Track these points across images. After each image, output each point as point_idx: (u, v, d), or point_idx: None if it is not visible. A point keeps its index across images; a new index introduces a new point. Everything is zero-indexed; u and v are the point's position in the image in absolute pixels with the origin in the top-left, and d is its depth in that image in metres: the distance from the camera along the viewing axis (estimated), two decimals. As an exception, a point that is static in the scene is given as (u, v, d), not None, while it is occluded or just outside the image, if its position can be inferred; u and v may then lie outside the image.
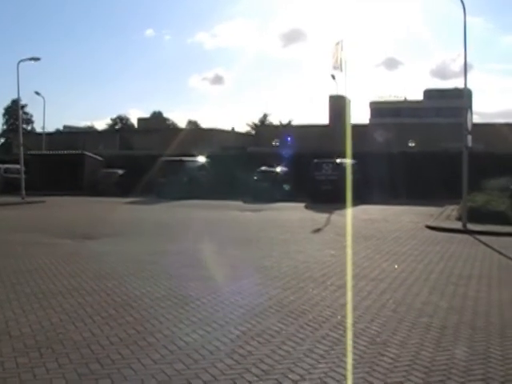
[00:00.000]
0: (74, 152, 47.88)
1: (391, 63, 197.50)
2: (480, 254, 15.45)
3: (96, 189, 40.47)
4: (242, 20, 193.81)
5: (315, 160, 35.72)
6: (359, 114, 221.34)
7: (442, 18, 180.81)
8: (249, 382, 5.95)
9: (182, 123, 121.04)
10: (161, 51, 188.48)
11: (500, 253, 15.52)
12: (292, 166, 38.05)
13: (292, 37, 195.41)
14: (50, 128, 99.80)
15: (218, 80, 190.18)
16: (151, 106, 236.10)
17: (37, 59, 38.90)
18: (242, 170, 38.25)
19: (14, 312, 8.60)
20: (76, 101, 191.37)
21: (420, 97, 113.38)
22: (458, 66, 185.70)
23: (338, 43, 42.94)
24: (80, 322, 8.06)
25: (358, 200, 31.01)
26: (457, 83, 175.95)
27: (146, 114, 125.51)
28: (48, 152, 52.12)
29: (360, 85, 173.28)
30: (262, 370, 6.27)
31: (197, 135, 66.78)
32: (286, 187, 36.27)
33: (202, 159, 42.42)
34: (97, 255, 14.12)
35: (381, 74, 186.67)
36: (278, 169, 37.57)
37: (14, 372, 6.10)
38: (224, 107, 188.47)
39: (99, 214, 26.07)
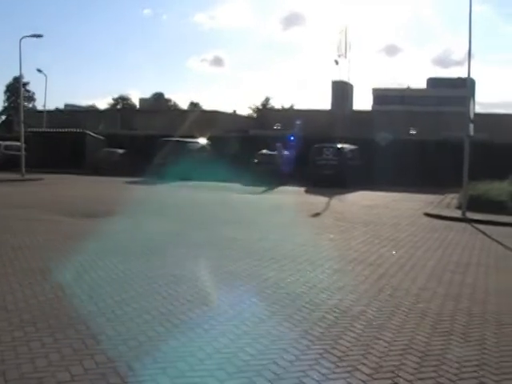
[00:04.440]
0: (74, 130, 47.74)
1: (392, 50, 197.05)
2: (478, 242, 15.45)
3: (96, 168, 40.38)
4: (240, 2, 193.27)
5: (316, 145, 35.66)
6: (361, 100, 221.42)
7: (445, 5, 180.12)
8: (243, 360, 5.95)
9: (183, 104, 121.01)
10: (159, 31, 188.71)
11: (498, 242, 15.51)
12: (293, 150, 37.95)
13: (292, 20, 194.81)
14: (52, 106, 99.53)
15: (217, 62, 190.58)
16: (152, 86, 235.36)
17: (39, 36, 38.74)
18: (243, 152, 38.20)
19: (10, 287, 8.61)
20: (77, 79, 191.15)
21: (422, 85, 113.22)
22: (459, 54, 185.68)
23: (342, 30, 42.74)
24: (76, 299, 8.06)
25: (358, 186, 30.99)
26: (458, 72, 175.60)
27: (147, 95, 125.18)
28: (49, 130, 51.99)
29: (361, 71, 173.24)
30: (257, 350, 6.27)
31: (199, 117, 66.64)
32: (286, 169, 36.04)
33: (203, 141, 42.33)
34: (95, 233, 14.11)
35: (382, 60, 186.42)
36: (283, 152, 37.47)
37: (10, 345, 6.11)
38: (225, 89, 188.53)
39: (99, 193, 26.04)
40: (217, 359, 5.96)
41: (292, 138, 35.78)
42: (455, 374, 5.84)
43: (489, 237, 16.39)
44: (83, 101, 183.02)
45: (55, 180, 33.36)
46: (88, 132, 47.12)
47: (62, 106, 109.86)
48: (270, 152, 37.37)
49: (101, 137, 47.44)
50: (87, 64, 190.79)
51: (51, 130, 50.26)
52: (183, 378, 5.47)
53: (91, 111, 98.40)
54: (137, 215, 18.16)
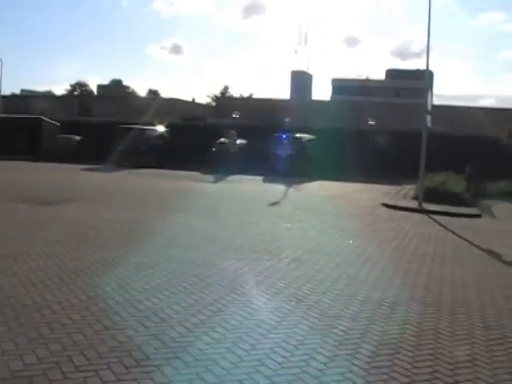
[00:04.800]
0: (30, 116, 47.04)
1: (352, 41, 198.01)
2: (434, 233, 15.64)
3: (53, 154, 39.79)
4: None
5: (275, 134, 35.67)
6: (321, 91, 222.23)
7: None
8: (199, 349, 5.94)
9: (142, 92, 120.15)
10: (118, 18, 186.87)
11: (454, 232, 15.72)
12: (251, 139, 37.90)
13: (252, 9, 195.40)
14: (7, 91, 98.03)
15: (176, 49, 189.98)
16: (111, 73, 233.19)
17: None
18: (201, 140, 38.05)
19: (-37, 274, 8.47)
20: (34, 65, 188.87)
21: (381, 76, 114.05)
22: (418, 46, 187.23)
23: (302, 21, 42.81)
24: (31, 287, 7.94)
25: (316, 175, 31.08)
26: (417, 64, 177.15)
27: (105, 82, 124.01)
28: (3, 115, 51.14)
29: (322, 61, 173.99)
30: (214, 339, 6.27)
31: (157, 104, 66.24)
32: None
33: (161, 128, 42.08)
34: (51, 220, 13.94)
35: (342, 51, 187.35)
36: (237, 141, 37.38)
37: (-38, 334, 6.01)
38: (184, 77, 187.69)
39: (55, 180, 25.71)
40: (173, 348, 5.93)
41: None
42: (410, 363, 5.91)
43: (445, 227, 16.60)
44: (40, 87, 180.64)
45: (9, 167, 32.85)
46: (44, 118, 46.43)
47: (17, 92, 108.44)
48: (228, 140, 37.27)
49: (57, 123, 46.82)
50: (44, 49, 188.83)
51: (6, 116, 49.44)
52: (139, 368, 5.44)
53: (48, 97, 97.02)
54: (93, 202, 17.98)
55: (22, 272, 8.71)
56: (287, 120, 41.35)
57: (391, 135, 38.96)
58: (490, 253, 13.03)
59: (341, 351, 6.12)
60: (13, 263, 9.24)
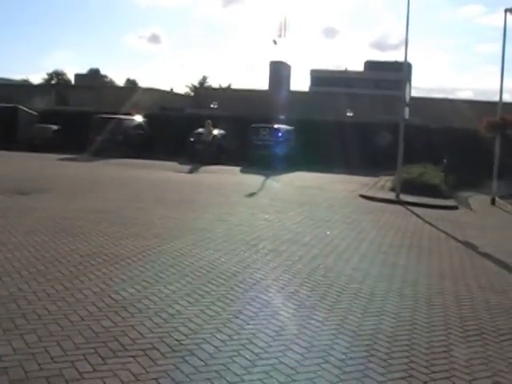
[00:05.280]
0: (6, 105, 46.60)
1: (331, 32, 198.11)
2: (411, 224, 15.73)
3: (29, 144, 39.42)
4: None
5: (253, 125, 35.62)
6: (299, 82, 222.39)
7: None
8: (177, 340, 5.94)
9: (120, 81, 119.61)
10: (95, 6, 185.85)
11: (431, 224, 15.82)
12: (230, 129, 37.80)
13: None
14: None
15: (154, 39, 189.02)
16: (88, 62, 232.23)
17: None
18: (179, 131, 37.88)
19: None
20: (10, 53, 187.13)
21: (360, 68, 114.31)
22: (396, 38, 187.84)
23: (281, 11, 42.73)
24: (7, 277, 7.88)
25: (294, 166, 31.10)
26: (395, 56, 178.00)
27: (83, 71, 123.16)
28: (-21, 104, 50.68)
29: (300, 52, 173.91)
30: (191, 329, 6.26)
31: (135, 94, 65.91)
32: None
33: (139, 118, 41.84)
34: (27, 210, 13.82)
35: (320, 42, 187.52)
36: (216, 131, 37.26)
37: None
38: (162, 67, 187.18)
39: (31, 170, 25.52)
40: (150, 339, 5.92)
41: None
42: (386, 353, 5.95)
43: (422, 219, 16.71)
44: (16, 75, 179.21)
45: (-14, 156, 32.61)
46: (20, 107, 46.02)
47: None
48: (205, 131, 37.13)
49: (34, 112, 46.44)
50: (20, 38, 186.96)
51: (-18, 105, 48.99)
52: (115, 358, 5.42)
53: (25, 86, 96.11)
54: (68, 193, 17.85)
55: (-2, 262, 8.65)
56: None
57: (369, 127, 39.03)
58: (467, 244, 13.13)
59: (318, 342, 6.15)
60: (-12, 253, 9.18)
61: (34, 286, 7.54)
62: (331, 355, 5.80)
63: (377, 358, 5.82)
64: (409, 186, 22.01)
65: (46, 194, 16.89)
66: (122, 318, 6.51)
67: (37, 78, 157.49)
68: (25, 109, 45.82)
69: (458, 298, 8.34)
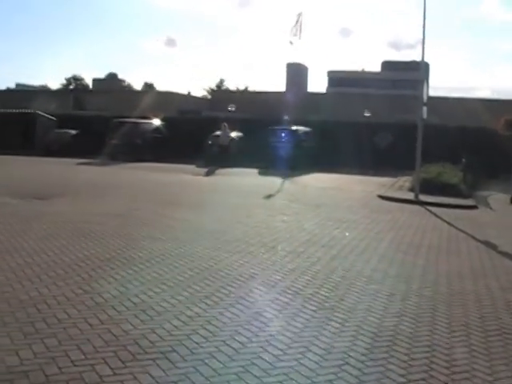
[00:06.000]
0: (25, 111, 46.84)
1: (347, 32, 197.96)
2: (430, 224, 15.65)
3: (48, 149, 39.65)
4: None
5: (270, 127, 35.58)
6: (316, 82, 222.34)
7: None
8: (196, 343, 5.94)
9: (137, 85, 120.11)
10: (111, 11, 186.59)
11: (450, 224, 15.73)
12: (247, 131, 37.76)
13: (246, 1, 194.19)
14: (2, 86, 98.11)
15: (170, 42, 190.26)
16: (106, 67, 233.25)
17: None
18: (197, 134, 37.93)
19: (-42, 269, 8.44)
20: (29, 59, 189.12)
21: (377, 68, 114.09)
22: (413, 37, 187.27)
23: (297, 12, 42.73)
24: (27, 281, 7.93)
25: (312, 168, 31.04)
26: (411, 55, 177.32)
27: (101, 76, 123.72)
28: (-1, 110, 51.00)
29: (316, 53, 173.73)
30: (210, 332, 6.27)
31: (153, 98, 66.12)
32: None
33: (157, 122, 41.91)
34: (45, 215, 13.89)
35: (336, 42, 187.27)
36: (233, 134, 37.25)
37: (-43, 329, 5.99)
38: (179, 70, 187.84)
39: (50, 175, 25.65)
40: (169, 341, 5.93)
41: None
42: (406, 354, 5.92)
43: (441, 219, 16.62)
44: (35, 81, 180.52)
45: (4, 162, 32.70)
46: (39, 112, 46.27)
47: (13, 86, 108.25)
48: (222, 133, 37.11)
49: (52, 117, 46.69)
50: (39, 44, 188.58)
51: (1, 111, 49.28)
52: (135, 361, 5.43)
53: (43, 91, 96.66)
54: (86, 196, 17.92)
55: (17, 267, 8.68)
56: (286, 118, 40.98)
57: (387, 127, 38.89)
58: (487, 244, 13.05)
59: (337, 343, 6.13)
60: (9, 258, 9.22)
61: (53, 290, 7.58)
62: (351, 357, 5.78)
63: (397, 359, 5.80)
64: (427, 186, 21.88)
65: (64, 199, 16.98)
66: (142, 320, 6.52)
67: (55, 84, 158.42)
68: (43, 114, 46.09)
69: (478, 298, 8.29)
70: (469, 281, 9.37)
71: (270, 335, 6.26)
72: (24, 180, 22.34)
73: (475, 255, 11.71)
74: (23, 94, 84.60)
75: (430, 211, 18.18)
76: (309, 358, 5.69)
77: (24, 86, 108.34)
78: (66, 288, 7.68)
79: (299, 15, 43.28)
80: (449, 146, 31.85)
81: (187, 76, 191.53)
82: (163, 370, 5.26)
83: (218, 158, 33.84)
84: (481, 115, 46.49)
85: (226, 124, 36.30)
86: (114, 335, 6.03)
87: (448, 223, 15.87)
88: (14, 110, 46.66)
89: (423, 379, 5.41)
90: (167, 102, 63.96)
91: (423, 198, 20.68)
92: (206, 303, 7.28)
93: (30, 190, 18.65)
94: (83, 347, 5.67)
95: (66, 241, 10.74)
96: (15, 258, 9.28)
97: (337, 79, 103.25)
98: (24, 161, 33.45)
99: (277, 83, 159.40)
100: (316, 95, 78.25)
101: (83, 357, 5.45)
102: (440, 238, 13.44)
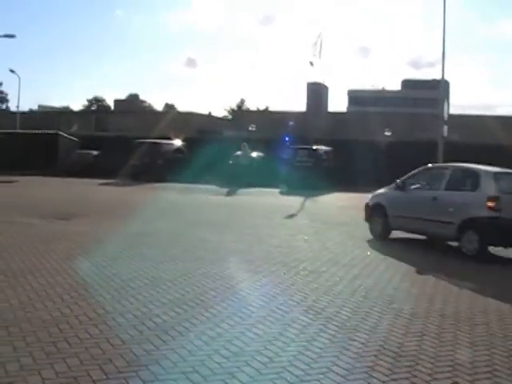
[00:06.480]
0: (47, 132, 47.26)
1: (366, 51, 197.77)
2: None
3: (70, 169, 39.99)
4: (212, 2, 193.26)
5: (292, 146, 35.65)
6: (336, 102, 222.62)
7: (418, 6, 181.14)
8: (217, 363, 5.93)
9: (158, 106, 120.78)
10: (131, 33, 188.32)
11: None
12: (268, 151, 37.83)
13: (265, 21, 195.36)
14: (25, 107, 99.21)
15: (191, 63, 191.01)
16: (127, 88, 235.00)
17: (12, 36, 38.50)
18: (218, 154, 38.05)
19: (-18, 290, 8.49)
20: (52, 81, 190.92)
21: (397, 86, 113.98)
22: (432, 56, 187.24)
23: (316, 32, 42.94)
24: (49, 301, 7.98)
25: (333, 187, 31.01)
26: (431, 73, 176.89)
27: (122, 96, 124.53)
28: (22, 131, 51.46)
29: (336, 72, 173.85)
30: (231, 352, 6.25)
31: (174, 118, 66.48)
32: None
33: (178, 142, 42.10)
34: (68, 235, 13.98)
35: (356, 61, 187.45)
36: (254, 154, 37.35)
37: (-20, 349, 6.03)
38: (200, 90, 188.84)
39: (72, 195, 25.82)
40: (190, 362, 5.93)
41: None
42: (429, 375, 5.87)
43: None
44: (57, 102, 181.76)
45: (27, 182, 33.03)
46: (61, 133, 46.65)
47: (35, 107, 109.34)
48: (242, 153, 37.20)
49: (74, 138, 47.06)
50: (61, 65, 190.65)
51: (24, 132, 49.73)
52: (157, 382, 5.44)
53: (65, 112, 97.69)
54: (108, 217, 18.02)
55: (40, 287, 8.74)
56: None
57: (407, 145, 38.81)
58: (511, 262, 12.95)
59: (359, 363, 6.09)
60: (31, 278, 9.28)
61: (75, 310, 7.61)
62: (373, 377, 5.75)
63: (419, 379, 5.75)
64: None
65: (86, 219, 17.09)
66: (163, 341, 6.53)
67: (77, 105, 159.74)
68: (65, 135, 46.51)
69: (501, 317, 8.21)
70: (491, 299, 9.30)
71: (292, 355, 6.24)
72: (47, 200, 22.50)
73: (497, 274, 11.62)
74: (46, 115, 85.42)
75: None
76: (330, 378, 5.66)
77: (46, 107, 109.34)
78: (88, 308, 7.71)
79: (319, 35, 43.43)
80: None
81: (208, 96, 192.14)
82: (185, 391, 5.26)
83: (239, 177, 33.89)
84: (498, 132, 46.26)
85: (245, 144, 36.41)
86: (136, 355, 6.04)
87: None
88: (36, 131, 47.13)
89: (446, 399, 5.37)
90: (188, 122, 64.25)
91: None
92: (228, 323, 7.28)
93: (53, 210, 18.79)
94: (105, 367, 5.68)
95: (88, 261, 10.79)
96: (37, 278, 9.34)
97: (357, 98, 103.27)
98: (47, 181, 33.73)
99: (298, 103, 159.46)
100: (337, 114, 78.36)
101: (105, 376, 5.47)
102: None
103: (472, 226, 13.21)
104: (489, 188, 13.35)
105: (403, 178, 15.85)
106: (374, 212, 16.67)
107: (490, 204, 13.03)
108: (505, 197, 13.09)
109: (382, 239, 15.55)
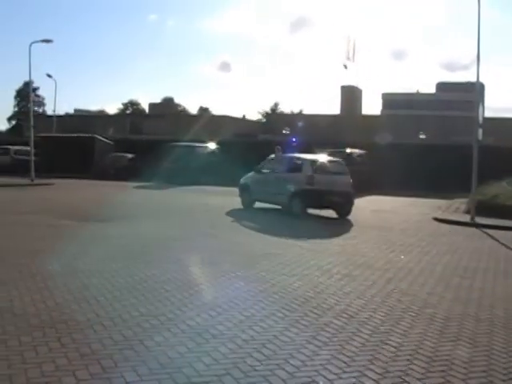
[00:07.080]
0: (84, 135, 47.79)
1: (400, 54, 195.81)
2: (486, 247, 15.42)
3: (105, 172, 40.37)
4: (246, 6, 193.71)
5: (326, 149, 35.55)
6: (370, 105, 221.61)
7: (452, 8, 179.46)
8: (250, 366, 5.95)
9: (193, 109, 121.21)
10: (165, 37, 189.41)
11: (507, 247, 15.49)
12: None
13: (298, 24, 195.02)
14: (61, 111, 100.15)
15: (225, 67, 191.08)
16: (162, 91, 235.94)
17: (49, 41, 38.71)
18: (252, 157, 38.05)
19: (19, 291, 8.59)
20: (87, 85, 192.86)
21: (431, 89, 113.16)
22: (467, 58, 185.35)
23: (350, 36, 42.84)
24: (84, 303, 8.06)
25: (367, 190, 30.87)
26: (465, 76, 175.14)
27: (157, 100, 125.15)
28: (58, 135, 52.11)
29: (370, 75, 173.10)
30: (264, 355, 6.27)
31: (208, 122, 66.71)
32: None
33: (212, 146, 42.22)
34: (103, 237, 14.13)
35: (390, 64, 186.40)
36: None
37: (17, 350, 6.10)
38: (234, 94, 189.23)
39: (107, 197, 26.04)
40: (224, 364, 5.95)
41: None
42: (462, 380, 5.83)
43: (497, 241, 16.36)
44: (93, 106, 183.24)
45: (64, 185, 33.42)
46: (97, 137, 47.15)
47: (71, 111, 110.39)
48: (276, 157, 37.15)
49: (110, 141, 47.50)
50: (97, 69, 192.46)
51: (61, 135, 50.35)
52: None
53: (101, 116, 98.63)
54: (143, 219, 18.16)
55: (75, 289, 8.84)
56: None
57: (442, 149, 38.56)
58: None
59: (392, 368, 6.07)
60: (67, 280, 9.39)
61: (110, 311, 7.69)
62: (406, 381, 5.72)
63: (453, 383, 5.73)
64: (484, 208, 21.56)
65: (122, 221, 17.22)
66: (197, 343, 6.56)
67: (112, 109, 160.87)
68: (101, 138, 46.95)
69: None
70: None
71: (325, 359, 6.23)
72: (83, 203, 22.75)
73: (534, 279, 11.50)
74: (82, 118, 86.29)
75: (487, 234, 17.92)
76: (363, 383, 5.66)
77: (82, 111, 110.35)
78: (123, 310, 7.78)
79: (351, 38, 43.33)
80: (503, 167, 31.37)
81: (242, 99, 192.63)
82: (218, 393, 5.28)
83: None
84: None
85: (279, 147, 36.39)
86: (170, 357, 6.08)
87: (505, 246, 15.62)
88: (72, 135, 47.66)
89: (480, 405, 5.33)
90: (222, 125, 64.45)
91: (479, 220, 20.39)
92: (261, 326, 7.29)
93: (89, 212, 19.01)
94: (138, 369, 5.73)
95: (123, 263, 10.89)
96: (73, 279, 9.45)
97: (391, 101, 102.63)
98: (83, 184, 34.08)
99: (332, 106, 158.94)
100: (371, 118, 78.07)
101: (138, 378, 5.51)
102: (497, 261, 13.23)
103: (297, 195, 20.37)
104: (308, 170, 20.91)
105: (260, 165, 23.76)
106: (243, 189, 24.04)
107: (308, 181, 20.43)
108: (317, 176, 20.62)
109: (248, 208, 23.06)
